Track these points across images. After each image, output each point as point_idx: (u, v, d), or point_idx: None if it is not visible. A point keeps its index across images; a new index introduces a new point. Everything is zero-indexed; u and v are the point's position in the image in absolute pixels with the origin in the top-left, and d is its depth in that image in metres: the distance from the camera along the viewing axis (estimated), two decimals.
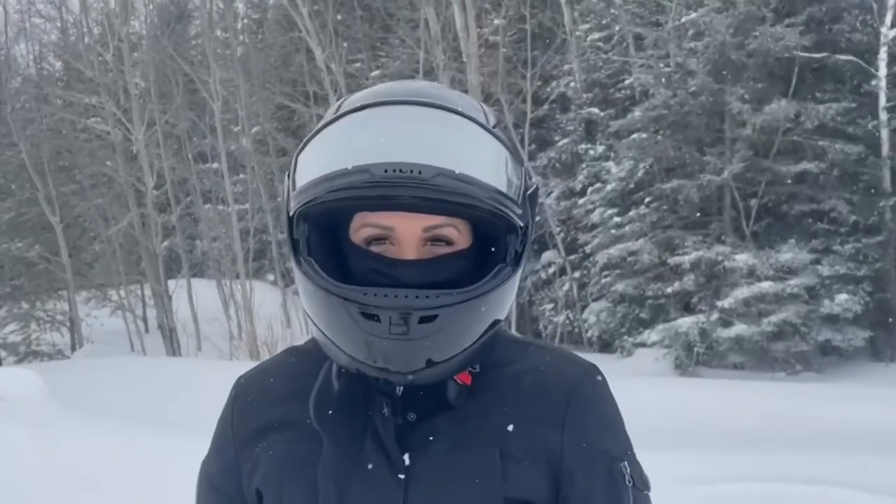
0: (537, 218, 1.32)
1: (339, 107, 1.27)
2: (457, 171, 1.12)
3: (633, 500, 1.29)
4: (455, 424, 1.26)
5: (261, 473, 1.33)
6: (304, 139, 1.26)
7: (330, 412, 1.28)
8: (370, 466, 1.24)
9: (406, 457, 1.24)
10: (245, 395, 1.42)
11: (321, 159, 1.18)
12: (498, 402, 1.28)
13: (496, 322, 1.25)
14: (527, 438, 1.26)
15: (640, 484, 1.32)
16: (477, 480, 1.22)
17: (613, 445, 1.31)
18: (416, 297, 1.15)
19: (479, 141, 1.20)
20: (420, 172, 1.11)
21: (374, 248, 1.22)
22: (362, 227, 1.22)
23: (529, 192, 1.24)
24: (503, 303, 1.24)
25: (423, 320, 1.15)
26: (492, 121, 1.25)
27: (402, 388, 1.26)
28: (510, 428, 1.26)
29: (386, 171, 1.11)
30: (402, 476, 1.23)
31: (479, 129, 1.20)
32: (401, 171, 1.11)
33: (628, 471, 1.30)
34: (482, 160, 1.18)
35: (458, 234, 1.22)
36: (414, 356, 1.18)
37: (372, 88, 1.29)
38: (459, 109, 1.20)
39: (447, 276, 1.20)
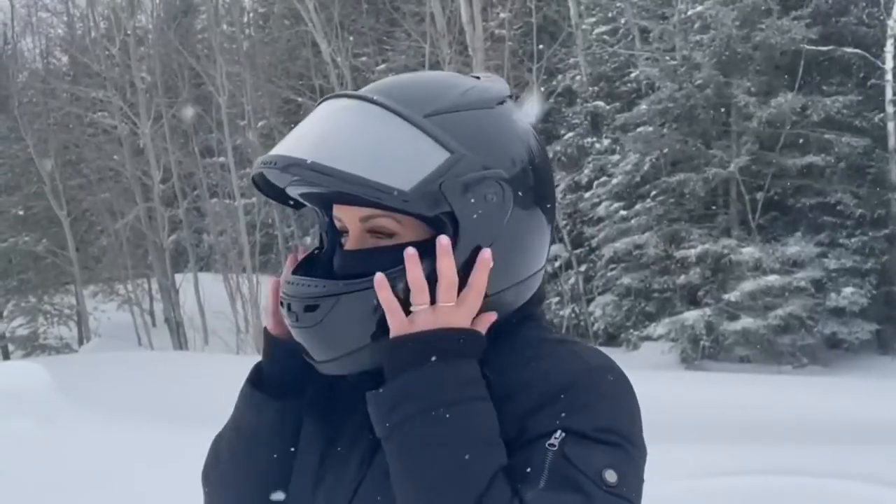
0: (491, 207, 1.20)
1: None
2: (308, 161, 1.14)
3: (550, 465, 1.10)
4: None
5: None
6: None
7: (321, 401, 1.35)
8: (350, 454, 1.28)
9: (372, 440, 1.23)
10: None
11: None
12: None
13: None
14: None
15: (582, 464, 1.10)
16: None
17: (564, 420, 1.13)
18: (306, 285, 1.20)
19: (365, 129, 1.18)
20: (275, 164, 1.18)
21: (343, 239, 1.28)
22: (335, 219, 1.29)
23: (464, 179, 1.16)
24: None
25: (308, 308, 1.19)
26: (442, 104, 1.21)
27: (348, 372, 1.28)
28: None
29: (260, 163, 1.21)
30: (364, 468, 1.24)
31: (376, 116, 1.19)
32: (264, 163, 1.20)
33: (558, 439, 1.11)
34: (359, 149, 1.16)
35: (400, 226, 1.20)
36: (314, 345, 1.22)
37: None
38: (368, 97, 1.21)
39: (379, 268, 1.16)
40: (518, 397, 1.16)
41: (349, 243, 1.24)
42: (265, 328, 1.36)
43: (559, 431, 1.12)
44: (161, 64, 23.91)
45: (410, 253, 1.14)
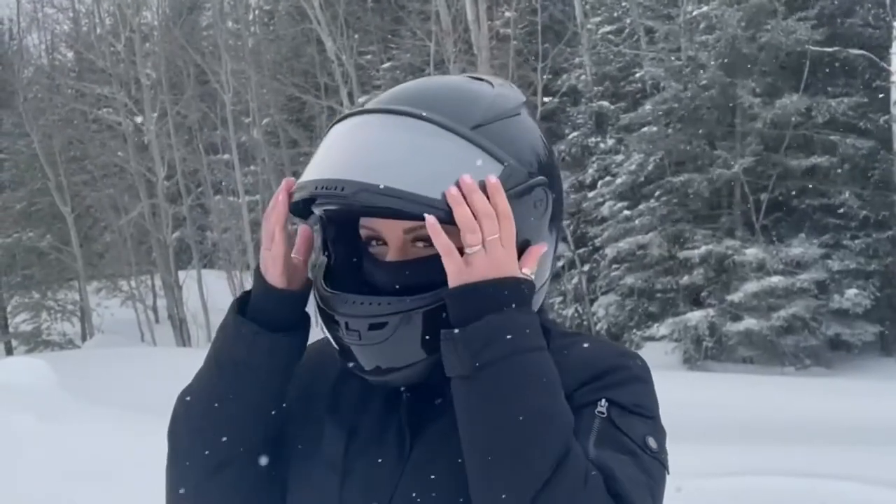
0: (539, 213, 1.28)
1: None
2: (381, 186, 1.14)
3: (598, 428, 1.20)
4: None
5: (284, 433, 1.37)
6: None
7: (353, 389, 1.34)
8: (383, 443, 1.29)
9: (409, 437, 1.28)
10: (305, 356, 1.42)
11: (307, 169, 1.26)
12: None
13: None
14: None
15: (629, 428, 1.21)
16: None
17: (602, 392, 1.23)
18: (369, 303, 1.20)
19: (424, 147, 1.19)
20: (343, 189, 1.15)
21: (373, 249, 1.28)
22: (362, 228, 1.29)
23: (516, 189, 1.21)
24: None
25: (373, 327, 1.20)
26: (481, 115, 1.24)
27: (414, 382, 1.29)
28: None
29: (317, 188, 1.18)
30: (406, 455, 1.26)
31: (430, 133, 1.19)
32: (325, 188, 1.17)
33: (604, 406, 1.21)
34: (419, 169, 1.17)
35: (447, 235, 1.20)
36: (375, 360, 1.23)
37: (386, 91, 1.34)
38: (417, 112, 1.20)
39: (430, 278, 1.20)
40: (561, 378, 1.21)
41: (393, 255, 1.24)
42: (262, 277, 1.31)
43: (603, 400, 1.21)
44: (166, 61, 23.94)
45: (454, 192, 1.15)
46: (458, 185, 1.16)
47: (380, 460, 1.27)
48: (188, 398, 1.34)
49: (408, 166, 1.17)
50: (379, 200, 1.14)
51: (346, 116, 1.26)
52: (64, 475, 6.11)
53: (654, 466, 1.20)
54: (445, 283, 1.17)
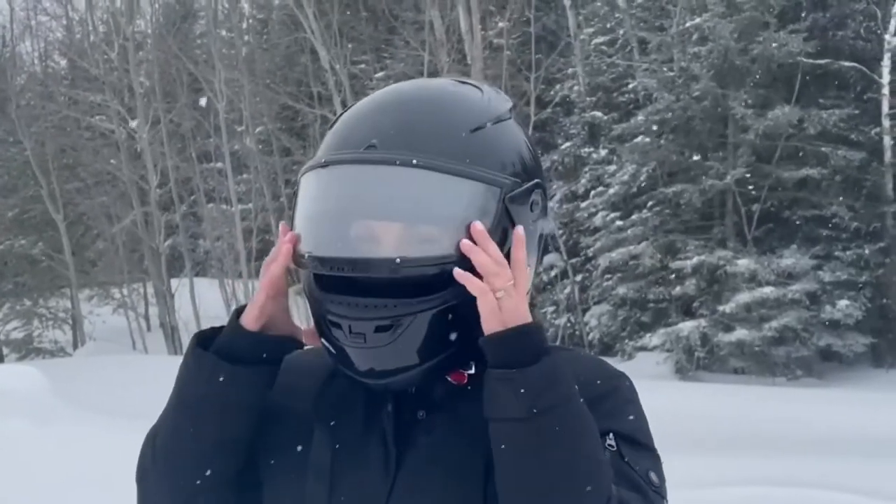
0: (545, 213, 1.33)
1: (329, 132, 1.33)
2: (397, 261, 1.17)
3: (611, 464, 1.22)
4: (453, 425, 1.27)
5: (261, 440, 1.34)
6: (302, 168, 1.30)
7: (335, 401, 1.33)
8: (366, 460, 1.28)
9: (395, 453, 1.27)
10: (283, 373, 1.39)
11: (299, 222, 1.27)
12: None
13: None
14: None
15: (635, 462, 1.26)
16: (460, 477, 1.23)
17: (602, 422, 1.23)
18: (374, 306, 1.20)
19: (425, 200, 1.20)
20: (352, 269, 1.18)
21: None
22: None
23: (515, 194, 1.24)
24: None
25: (379, 329, 1.20)
26: (475, 119, 1.27)
27: (413, 386, 1.30)
28: None
29: (332, 268, 1.19)
30: (392, 472, 1.26)
31: (426, 182, 1.19)
32: (341, 268, 1.18)
33: (612, 438, 1.25)
34: (427, 229, 1.19)
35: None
36: (376, 364, 1.23)
37: (367, 102, 1.34)
38: (408, 160, 1.19)
39: (427, 281, 1.21)
40: None
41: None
42: (240, 322, 1.29)
43: (611, 434, 1.24)
44: (159, 69, 23.92)
45: (467, 245, 1.18)
46: (468, 231, 1.18)
47: (365, 475, 1.27)
48: (155, 439, 1.32)
49: (415, 229, 1.19)
50: (399, 273, 1.17)
51: (330, 163, 1.24)
52: (57, 480, 6.10)
53: (657, 501, 1.25)
54: (444, 286, 1.19)
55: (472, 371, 1.30)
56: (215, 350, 1.27)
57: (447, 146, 1.22)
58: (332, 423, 1.32)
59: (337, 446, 1.30)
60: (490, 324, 1.18)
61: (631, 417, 1.30)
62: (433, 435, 1.27)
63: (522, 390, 1.15)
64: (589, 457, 1.16)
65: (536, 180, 1.30)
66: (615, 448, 1.24)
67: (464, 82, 1.37)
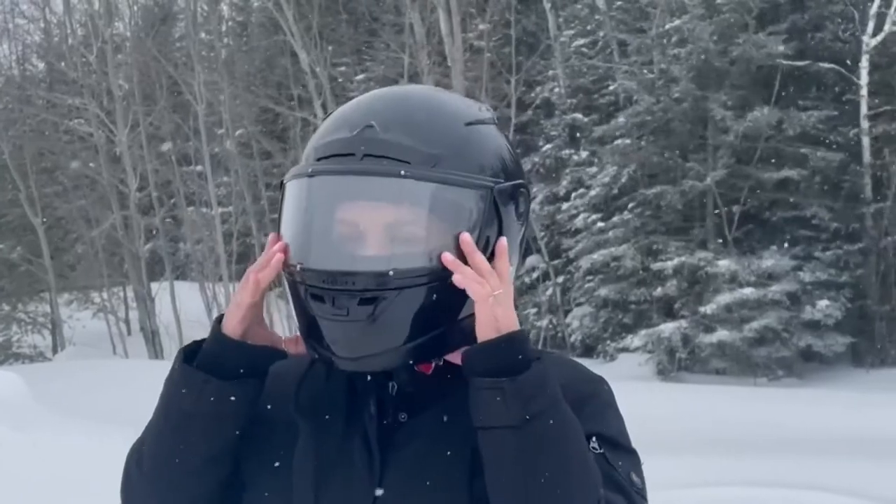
0: (528, 213, 1.35)
1: (326, 120, 1.32)
2: (391, 273, 1.18)
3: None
4: (436, 423, 1.27)
5: (245, 447, 1.32)
6: (288, 173, 1.30)
7: (314, 404, 1.33)
8: (350, 463, 1.27)
9: (379, 456, 1.27)
10: (272, 372, 1.39)
11: (286, 228, 1.28)
12: None
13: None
14: None
15: (618, 464, 1.27)
16: (445, 478, 1.23)
17: (589, 428, 1.24)
18: (361, 277, 1.20)
19: (412, 215, 1.20)
20: (354, 283, 1.19)
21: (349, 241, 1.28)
22: (339, 220, 1.27)
23: (499, 188, 1.26)
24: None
25: (364, 302, 1.19)
26: (464, 117, 1.29)
27: (395, 387, 1.30)
28: None
29: (324, 281, 1.20)
30: (377, 475, 1.25)
31: (413, 194, 1.20)
32: (336, 283, 1.20)
33: (595, 441, 1.25)
34: (418, 244, 1.20)
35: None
36: (358, 339, 1.22)
37: (360, 98, 1.34)
38: (395, 171, 1.19)
39: (411, 265, 1.22)
40: None
41: (371, 247, 1.21)
42: (218, 325, 1.29)
43: (595, 437, 1.25)
44: (138, 72, 23.80)
45: (449, 259, 1.19)
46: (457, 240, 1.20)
47: (350, 480, 1.27)
48: (141, 454, 1.31)
49: (407, 239, 1.20)
50: (391, 284, 1.19)
51: (317, 173, 1.24)
52: (37, 486, 6.06)
53: (640, 502, 1.27)
54: (430, 269, 1.20)
55: (441, 363, 1.30)
56: (202, 365, 1.26)
57: (443, 133, 1.25)
58: (314, 427, 1.31)
59: (320, 450, 1.29)
60: (485, 330, 1.19)
61: (612, 421, 1.32)
62: (416, 438, 1.27)
63: (514, 398, 1.15)
64: (579, 459, 1.17)
65: (521, 180, 1.31)
66: (600, 451, 1.25)
67: (451, 91, 1.41)
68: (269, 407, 1.34)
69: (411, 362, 1.26)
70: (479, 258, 1.19)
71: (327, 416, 1.31)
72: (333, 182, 1.22)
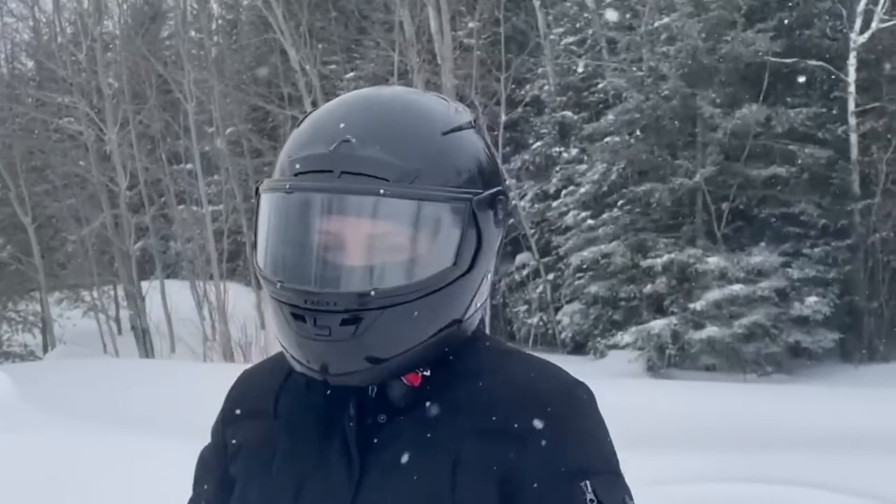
0: (507, 219, 1.34)
1: (295, 132, 1.32)
2: (372, 294, 1.18)
3: None
4: (417, 429, 1.27)
5: (234, 462, 1.39)
6: (265, 184, 1.29)
7: (295, 408, 1.34)
8: (328, 466, 1.27)
9: (359, 459, 1.27)
10: (239, 385, 1.47)
11: (264, 242, 1.28)
12: (463, 410, 1.27)
13: (453, 321, 1.27)
14: (484, 450, 1.24)
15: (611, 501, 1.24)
16: (425, 486, 1.23)
17: (576, 462, 1.23)
18: (344, 297, 1.19)
19: (391, 232, 1.20)
20: (336, 304, 1.19)
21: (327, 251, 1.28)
22: (320, 231, 1.27)
23: (478, 199, 1.25)
24: (451, 304, 1.26)
25: (346, 322, 1.19)
26: (443, 125, 1.28)
27: (374, 389, 1.30)
28: (469, 438, 1.24)
29: (305, 301, 1.20)
30: (355, 478, 1.25)
31: (393, 212, 1.20)
32: (316, 303, 1.20)
33: (590, 489, 1.22)
34: (395, 264, 1.21)
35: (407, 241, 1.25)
36: (342, 358, 1.22)
37: (334, 103, 1.33)
38: (375, 189, 1.18)
39: (394, 279, 1.22)
40: (486, 411, 1.26)
41: (352, 257, 1.21)
42: None
43: (587, 483, 1.22)
44: (128, 70, 23.73)
45: None
46: None
47: (329, 482, 1.27)
48: None
49: (388, 261, 1.20)
50: (373, 304, 1.19)
51: (295, 189, 1.22)
52: (27, 486, 6.05)
53: None
54: (412, 286, 1.21)
55: (428, 373, 1.31)
56: None
57: (421, 146, 1.23)
58: (293, 433, 1.32)
59: (299, 454, 1.30)
60: None
61: (599, 444, 1.29)
62: (395, 440, 1.27)
63: None
64: None
65: (500, 187, 1.31)
66: (595, 502, 1.22)
67: (427, 92, 1.38)
68: (250, 416, 1.39)
69: (397, 376, 1.27)
70: None
71: (306, 422, 1.32)
72: (311, 199, 1.21)
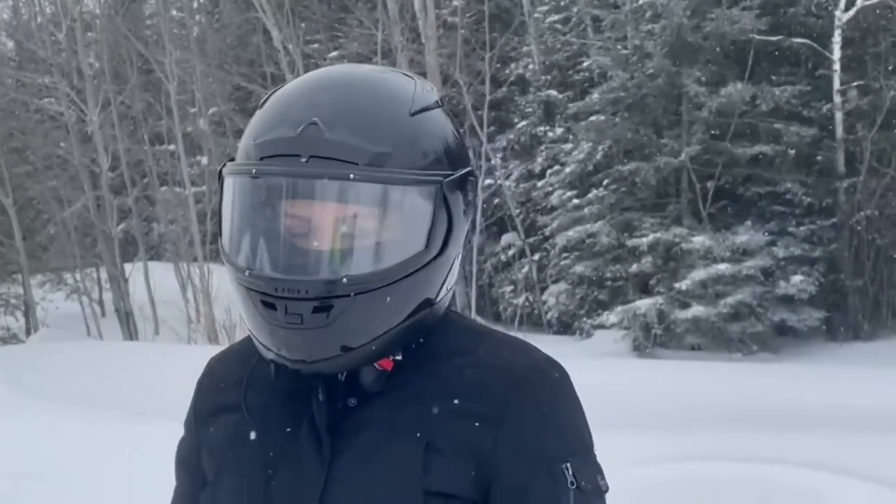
0: (476, 199, 1.33)
1: (259, 112, 1.29)
2: (344, 280, 1.17)
3: (573, 502, 1.23)
4: (388, 412, 1.26)
5: (207, 454, 1.37)
6: (229, 167, 1.26)
7: (263, 397, 1.32)
8: (299, 452, 1.26)
9: (330, 444, 1.26)
10: (209, 376, 1.46)
11: (229, 227, 1.26)
12: (435, 392, 1.26)
13: (425, 303, 1.26)
14: (457, 432, 1.23)
15: (590, 488, 1.26)
16: (398, 470, 1.22)
17: (555, 446, 1.25)
18: (315, 284, 1.18)
19: (363, 218, 1.18)
20: (307, 291, 1.17)
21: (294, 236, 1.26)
22: (287, 215, 1.26)
23: (448, 181, 1.24)
24: (424, 288, 1.25)
25: (318, 310, 1.18)
26: (410, 105, 1.25)
27: (344, 373, 1.27)
28: (442, 420, 1.24)
29: (276, 290, 1.18)
30: (327, 462, 1.24)
31: (363, 197, 1.18)
32: (288, 290, 1.17)
33: (570, 472, 1.24)
34: (368, 250, 1.19)
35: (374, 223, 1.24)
36: (315, 346, 1.20)
37: (299, 82, 1.30)
38: (345, 174, 1.16)
39: (363, 263, 1.21)
40: (458, 392, 1.25)
41: (319, 241, 1.19)
42: None
43: (568, 465, 1.24)
44: (109, 50, 23.53)
45: None
46: None
47: (299, 467, 1.25)
48: None
49: (359, 247, 1.19)
50: (344, 291, 1.17)
51: (261, 174, 1.19)
52: (10, 470, 6.01)
53: None
54: (383, 272, 1.19)
55: (400, 357, 1.29)
56: None
57: (389, 128, 1.21)
58: (261, 415, 1.31)
59: (270, 441, 1.29)
60: None
61: (575, 426, 1.30)
62: (367, 424, 1.25)
63: None
64: None
65: (468, 168, 1.30)
66: (575, 484, 1.23)
67: (394, 70, 1.36)
68: (221, 403, 1.37)
69: (371, 362, 1.25)
70: None
71: (276, 409, 1.30)
72: (279, 185, 1.19)
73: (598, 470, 1.28)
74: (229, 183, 1.25)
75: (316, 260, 1.18)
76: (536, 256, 21.34)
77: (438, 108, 1.30)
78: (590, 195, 18.89)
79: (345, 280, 1.16)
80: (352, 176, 1.15)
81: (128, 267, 23.41)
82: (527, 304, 21.38)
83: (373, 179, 1.16)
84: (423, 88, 1.30)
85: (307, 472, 1.24)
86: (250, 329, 1.26)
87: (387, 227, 1.19)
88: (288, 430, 1.28)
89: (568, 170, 19.57)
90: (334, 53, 24.00)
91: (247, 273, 1.20)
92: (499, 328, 1.55)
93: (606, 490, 1.28)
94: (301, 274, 1.17)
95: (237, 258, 1.23)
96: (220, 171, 1.26)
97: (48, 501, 5.59)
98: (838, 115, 17.77)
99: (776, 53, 18.52)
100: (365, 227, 1.18)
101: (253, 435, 1.30)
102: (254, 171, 1.19)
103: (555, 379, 1.31)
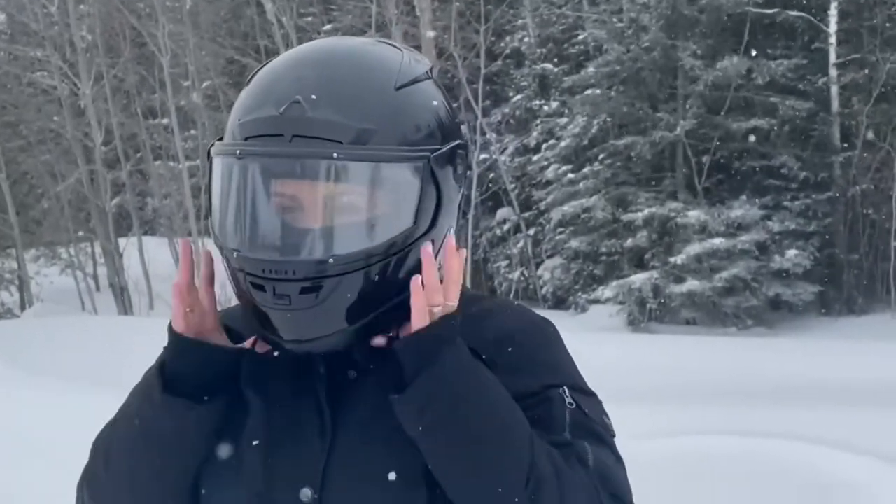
0: (467, 171, 1.32)
1: (245, 90, 1.26)
2: (330, 261, 1.15)
3: (570, 419, 1.24)
4: (387, 385, 1.23)
5: None
6: (216, 147, 1.24)
7: (261, 371, 1.30)
8: (300, 425, 1.26)
9: (331, 417, 1.25)
10: None
11: (217, 209, 1.23)
12: None
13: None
14: None
15: (592, 413, 1.27)
16: (399, 444, 1.20)
17: (550, 377, 1.28)
18: (302, 265, 1.16)
19: (352, 197, 1.17)
20: (294, 273, 1.16)
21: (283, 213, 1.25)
22: (275, 193, 1.25)
23: (436, 155, 1.21)
24: (414, 264, 1.22)
25: (305, 290, 1.16)
26: (395, 79, 1.22)
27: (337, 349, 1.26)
28: None
29: (264, 270, 1.17)
30: (328, 436, 1.24)
31: (350, 175, 1.16)
32: (275, 272, 1.16)
33: (568, 394, 1.26)
34: (357, 228, 1.17)
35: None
36: (304, 326, 1.19)
37: (285, 58, 1.28)
38: (328, 153, 1.14)
39: (351, 242, 1.19)
40: (488, 351, 1.24)
41: (309, 219, 1.17)
42: (173, 330, 1.28)
43: (565, 388, 1.26)
44: (101, 23, 23.37)
45: (429, 252, 1.17)
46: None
47: (301, 440, 1.25)
48: (107, 456, 1.31)
49: (345, 226, 1.17)
50: (332, 271, 1.16)
51: (246, 154, 1.18)
52: (6, 444, 6.00)
53: (615, 447, 1.27)
54: (371, 251, 1.18)
55: (395, 335, 1.27)
56: (177, 388, 1.24)
57: (374, 103, 1.19)
58: (263, 395, 1.29)
59: (270, 415, 1.27)
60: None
61: (571, 367, 1.33)
62: (367, 396, 1.25)
63: (404, 413, 1.17)
64: (495, 447, 1.16)
65: (458, 140, 1.27)
66: (574, 405, 1.25)
67: (381, 42, 1.33)
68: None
69: (363, 340, 1.24)
70: (432, 273, 1.17)
71: (275, 382, 1.29)
72: (263, 165, 1.18)
73: (603, 411, 1.30)
74: (217, 163, 1.23)
75: (302, 240, 1.16)
76: (532, 231, 21.32)
77: (428, 80, 1.27)
78: (585, 170, 18.86)
79: (331, 260, 1.15)
80: (335, 155, 1.13)
81: (122, 241, 23.38)
82: (522, 278, 21.39)
83: (357, 158, 1.15)
84: (411, 60, 1.28)
85: (309, 446, 1.24)
86: (242, 309, 1.25)
87: (373, 205, 1.17)
88: (288, 402, 1.27)
89: (563, 144, 19.52)
90: (328, 27, 23.86)
91: (235, 255, 1.19)
92: None
93: (614, 435, 1.29)
94: (288, 255, 1.16)
95: (226, 239, 1.21)
96: (209, 151, 1.24)
97: (44, 476, 5.59)
98: (834, 89, 17.72)
99: (772, 27, 18.46)
100: (351, 206, 1.16)
101: (253, 407, 1.28)
102: (238, 151, 1.17)
103: (550, 332, 1.35)
